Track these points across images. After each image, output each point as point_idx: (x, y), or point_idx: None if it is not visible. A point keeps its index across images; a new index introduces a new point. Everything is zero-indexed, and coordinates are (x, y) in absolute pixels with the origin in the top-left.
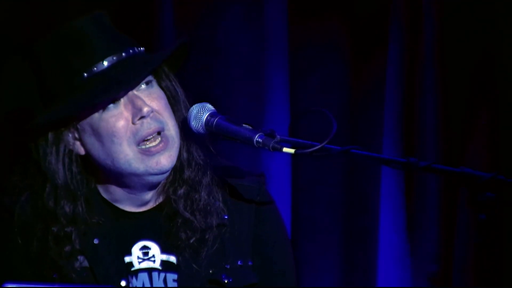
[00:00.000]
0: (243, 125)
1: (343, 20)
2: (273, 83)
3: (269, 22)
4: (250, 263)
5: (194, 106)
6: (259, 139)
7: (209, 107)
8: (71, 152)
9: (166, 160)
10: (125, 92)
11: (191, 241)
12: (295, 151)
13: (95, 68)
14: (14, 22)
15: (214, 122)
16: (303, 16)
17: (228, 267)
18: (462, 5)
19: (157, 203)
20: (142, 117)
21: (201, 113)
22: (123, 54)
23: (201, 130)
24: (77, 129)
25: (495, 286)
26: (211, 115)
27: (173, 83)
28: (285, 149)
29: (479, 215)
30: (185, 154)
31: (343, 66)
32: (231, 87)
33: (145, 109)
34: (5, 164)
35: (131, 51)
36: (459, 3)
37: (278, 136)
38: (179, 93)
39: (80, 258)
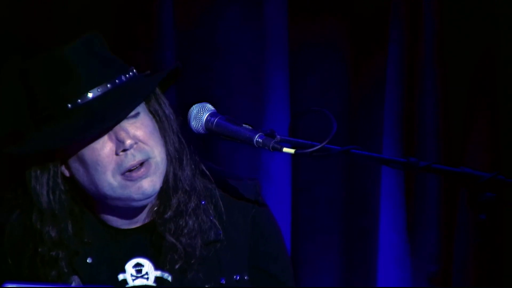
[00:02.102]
0: (243, 125)
1: (343, 20)
2: (273, 83)
3: (269, 22)
4: (246, 278)
5: (194, 106)
6: (259, 139)
7: (209, 107)
8: (56, 174)
9: (148, 184)
10: (108, 129)
11: (177, 265)
12: (295, 151)
13: (79, 100)
14: (14, 21)
15: (214, 122)
16: (303, 16)
17: (224, 282)
18: (462, 5)
19: (147, 221)
20: (125, 150)
21: (201, 113)
22: (108, 85)
23: (201, 130)
24: (62, 153)
25: (495, 286)
26: (211, 115)
27: (162, 105)
28: (285, 149)
29: (479, 215)
30: (171, 180)
31: (343, 66)
32: (231, 87)
33: (128, 142)
34: (1, 181)
35: (117, 81)
36: (459, 3)
37: (278, 136)
38: (167, 114)
39: (75, 278)
